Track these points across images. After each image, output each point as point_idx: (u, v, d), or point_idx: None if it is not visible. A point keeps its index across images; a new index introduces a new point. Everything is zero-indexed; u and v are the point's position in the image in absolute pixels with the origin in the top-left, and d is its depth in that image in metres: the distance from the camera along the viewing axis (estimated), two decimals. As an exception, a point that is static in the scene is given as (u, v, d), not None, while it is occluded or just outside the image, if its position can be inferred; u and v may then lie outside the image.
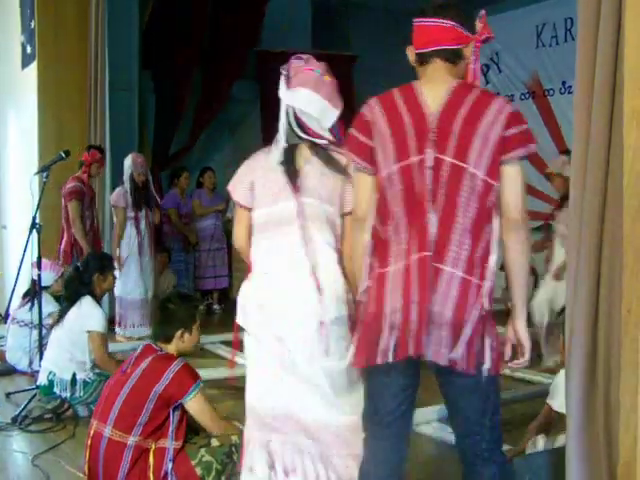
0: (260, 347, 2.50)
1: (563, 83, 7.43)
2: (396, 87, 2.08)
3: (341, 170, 2.39)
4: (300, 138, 2.45)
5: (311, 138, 2.44)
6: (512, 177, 1.94)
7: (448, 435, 3.08)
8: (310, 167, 2.44)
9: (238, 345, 2.63)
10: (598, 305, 2.08)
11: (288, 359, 2.43)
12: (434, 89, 2.00)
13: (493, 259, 1.93)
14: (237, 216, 2.62)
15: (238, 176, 2.57)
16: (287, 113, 2.45)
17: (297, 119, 2.44)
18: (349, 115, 8.74)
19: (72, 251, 5.65)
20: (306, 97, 2.43)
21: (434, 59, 2.05)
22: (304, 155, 2.46)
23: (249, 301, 2.52)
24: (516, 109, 1.96)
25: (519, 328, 1.99)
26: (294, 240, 2.42)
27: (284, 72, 2.48)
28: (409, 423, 2.11)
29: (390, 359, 1.93)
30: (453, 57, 2.05)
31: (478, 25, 2.06)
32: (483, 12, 2.07)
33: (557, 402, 2.94)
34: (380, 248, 2.02)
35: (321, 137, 2.43)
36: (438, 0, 2.08)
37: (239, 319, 2.56)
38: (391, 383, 2.03)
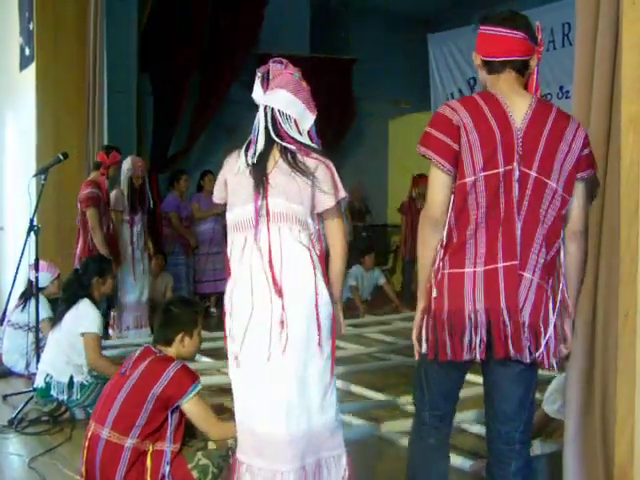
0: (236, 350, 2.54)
1: (560, 88, 7.44)
2: (477, 94, 2.16)
3: (307, 174, 2.45)
4: (273, 142, 2.50)
5: (283, 143, 2.49)
6: (580, 193, 2.11)
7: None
8: (278, 170, 2.48)
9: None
10: (596, 310, 2.09)
11: (241, 361, 2.48)
12: (516, 103, 2.10)
13: (562, 265, 2.11)
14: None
15: (218, 179, 2.65)
16: (265, 115, 2.51)
17: (274, 121, 2.50)
18: (349, 117, 8.77)
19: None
20: (286, 99, 2.50)
21: (507, 69, 2.14)
22: (274, 157, 2.51)
23: (226, 302, 2.57)
24: (586, 131, 2.12)
25: (567, 325, 2.14)
26: (263, 240, 2.47)
27: (260, 74, 2.55)
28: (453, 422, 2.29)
29: (477, 356, 2.05)
30: (523, 68, 2.16)
31: (538, 36, 2.17)
32: (539, 23, 2.19)
33: (552, 408, 2.94)
34: (453, 249, 2.09)
35: (294, 141, 2.49)
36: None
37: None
38: (458, 380, 2.20)
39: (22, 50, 7.24)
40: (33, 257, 4.53)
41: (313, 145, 2.53)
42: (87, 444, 2.97)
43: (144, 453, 2.91)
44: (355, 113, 9.66)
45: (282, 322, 2.41)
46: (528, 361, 2.04)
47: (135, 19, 7.56)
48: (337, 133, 9.06)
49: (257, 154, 2.49)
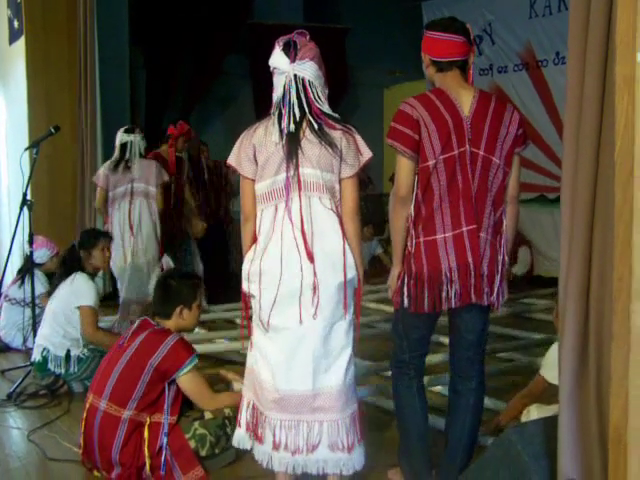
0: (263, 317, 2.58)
1: (557, 54, 7.36)
2: (429, 91, 2.58)
3: (334, 147, 2.52)
4: (305, 111, 2.53)
5: (312, 117, 2.52)
6: (516, 165, 2.61)
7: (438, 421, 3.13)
8: (307, 140, 2.53)
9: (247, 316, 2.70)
10: (590, 274, 2.09)
11: (271, 326, 2.55)
12: (462, 96, 2.54)
13: (505, 225, 2.60)
14: (244, 189, 2.63)
15: (240, 150, 2.59)
16: (297, 84, 2.53)
17: (305, 91, 2.54)
18: (343, 86, 8.65)
19: None
20: (315, 70, 2.55)
21: (452, 68, 2.56)
22: (303, 127, 2.54)
23: (253, 268, 2.57)
24: (520, 114, 2.60)
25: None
26: (295, 209, 2.52)
27: (282, 43, 2.54)
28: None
29: (453, 305, 2.53)
30: (465, 66, 2.58)
31: (471, 36, 2.55)
32: (469, 25, 2.57)
33: (550, 374, 2.95)
34: (423, 220, 2.52)
35: (320, 112, 2.55)
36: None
37: (244, 285, 2.61)
38: (431, 326, 2.68)
39: (11, 23, 7.14)
40: (27, 232, 4.51)
41: (336, 115, 2.59)
42: (85, 415, 2.99)
43: (141, 425, 2.93)
44: (350, 82, 9.58)
45: (314, 287, 2.49)
46: (485, 304, 2.55)
47: (126, -10, 7.46)
48: (331, 102, 8.99)
49: (293, 125, 2.51)
